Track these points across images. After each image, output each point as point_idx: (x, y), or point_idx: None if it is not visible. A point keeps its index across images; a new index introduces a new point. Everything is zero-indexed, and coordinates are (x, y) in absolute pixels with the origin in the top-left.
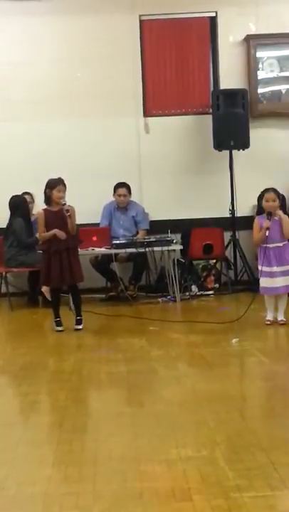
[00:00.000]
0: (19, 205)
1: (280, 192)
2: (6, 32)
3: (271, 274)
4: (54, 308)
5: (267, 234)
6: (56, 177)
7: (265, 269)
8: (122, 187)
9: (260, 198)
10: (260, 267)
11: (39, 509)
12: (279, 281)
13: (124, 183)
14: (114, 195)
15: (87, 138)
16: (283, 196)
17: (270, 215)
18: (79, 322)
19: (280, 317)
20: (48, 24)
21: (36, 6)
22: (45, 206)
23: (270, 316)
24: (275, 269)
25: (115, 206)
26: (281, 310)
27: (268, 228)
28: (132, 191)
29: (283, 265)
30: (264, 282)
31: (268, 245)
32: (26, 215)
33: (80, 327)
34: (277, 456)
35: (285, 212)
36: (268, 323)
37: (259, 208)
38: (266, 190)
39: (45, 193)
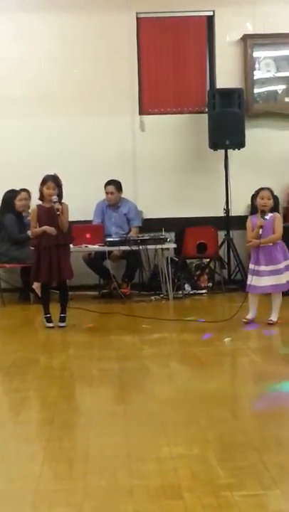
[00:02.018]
0: (8, 200)
1: (275, 192)
2: (2, 28)
3: (258, 273)
4: (44, 304)
5: (260, 232)
6: (52, 173)
7: (254, 267)
8: (109, 184)
9: (253, 196)
10: (251, 265)
11: (28, 506)
12: (265, 281)
13: (112, 180)
14: None
15: (82, 135)
16: (277, 198)
17: (263, 213)
18: (62, 319)
19: (271, 317)
20: (44, 21)
21: (32, 2)
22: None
23: (250, 315)
24: (262, 268)
25: (107, 204)
26: (275, 310)
27: (261, 226)
28: (126, 189)
29: (272, 264)
30: (250, 280)
31: (261, 243)
32: (15, 209)
33: (63, 325)
34: (269, 455)
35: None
36: (245, 320)
37: (252, 208)
38: (262, 189)
39: (39, 189)
